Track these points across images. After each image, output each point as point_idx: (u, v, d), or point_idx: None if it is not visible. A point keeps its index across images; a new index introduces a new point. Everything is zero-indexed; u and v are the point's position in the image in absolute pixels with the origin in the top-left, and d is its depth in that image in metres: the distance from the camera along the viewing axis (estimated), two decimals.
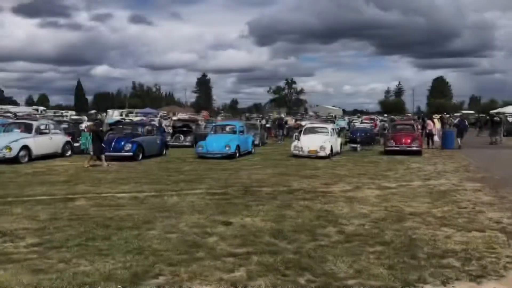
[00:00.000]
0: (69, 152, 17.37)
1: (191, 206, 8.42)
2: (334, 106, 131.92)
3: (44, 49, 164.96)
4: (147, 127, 18.01)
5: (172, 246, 5.83)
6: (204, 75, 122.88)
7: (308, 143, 17.77)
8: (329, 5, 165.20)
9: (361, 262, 5.30)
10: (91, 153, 14.96)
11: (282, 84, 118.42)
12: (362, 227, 6.94)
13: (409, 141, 19.32)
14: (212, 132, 19.25)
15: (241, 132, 19.04)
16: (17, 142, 14.95)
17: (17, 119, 23.48)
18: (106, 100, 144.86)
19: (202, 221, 7.21)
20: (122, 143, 16.29)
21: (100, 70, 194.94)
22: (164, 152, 18.64)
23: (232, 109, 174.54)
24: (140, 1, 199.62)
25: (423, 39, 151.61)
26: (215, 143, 17.52)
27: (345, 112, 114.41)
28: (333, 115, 64.90)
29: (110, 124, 23.42)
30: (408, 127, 21.61)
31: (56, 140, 16.78)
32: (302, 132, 18.98)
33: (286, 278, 4.80)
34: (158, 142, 18.26)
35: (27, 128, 15.97)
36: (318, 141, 17.72)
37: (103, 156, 14.68)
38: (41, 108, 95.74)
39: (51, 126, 17.02)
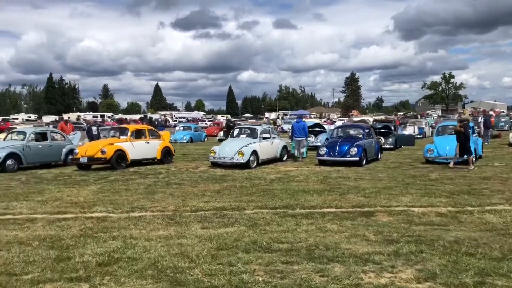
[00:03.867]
0: (285, 157, 16.97)
1: None
2: (496, 101, 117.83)
3: (197, 58, 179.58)
4: (366, 129, 16.66)
5: None
6: (352, 74, 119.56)
7: None
8: None
9: None
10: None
11: (436, 79, 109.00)
12: None
13: None
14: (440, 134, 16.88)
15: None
16: (247, 147, 14.88)
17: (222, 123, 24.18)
18: (253, 104, 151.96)
19: None
20: (347, 147, 15.20)
21: (246, 75, 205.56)
22: (379, 156, 17.21)
23: (378, 107, 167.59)
24: (284, 6, 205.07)
25: None
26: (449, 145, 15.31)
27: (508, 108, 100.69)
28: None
29: (310, 127, 22.75)
30: None
31: (275, 145, 16.49)
32: None
33: None
34: (374, 145, 16.85)
35: (252, 133, 15.90)
36: None
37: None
38: (201, 113, 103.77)
39: (272, 131, 16.75)
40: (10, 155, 14.34)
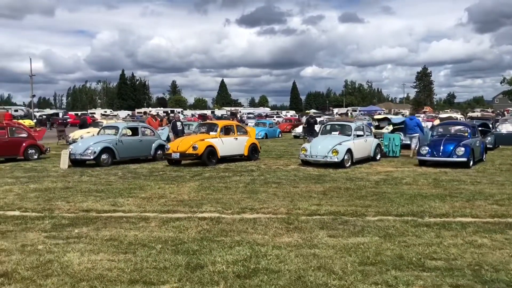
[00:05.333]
0: (378, 156, 15.89)
1: None
2: None
3: (261, 55, 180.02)
4: (472, 127, 15.18)
5: None
6: (424, 68, 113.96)
7: None
8: None
9: None
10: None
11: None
12: None
13: None
14: None
15: None
16: (342, 145, 14.01)
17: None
18: (317, 99, 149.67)
19: None
20: (452, 147, 13.86)
21: (309, 70, 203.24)
22: (484, 156, 15.66)
23: (449, 103, 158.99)
24: (351, 0, 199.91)
25: None
26: None
27: None
28: None
29: (394, 124, 21.39)
30: None
31: (369, 143, 15.46)
32: None
33: None
34: (479, 145, 15.31)
35: (345, 130, 15.00)
36: None
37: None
38: (267, 109, 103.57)
39: (366, 128, 15.75)
40: (105, 150, 14.53)
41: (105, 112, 79.80)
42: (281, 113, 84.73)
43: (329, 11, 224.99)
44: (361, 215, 7.71)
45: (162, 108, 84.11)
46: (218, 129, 15.22)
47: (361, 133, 15.24)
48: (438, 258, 5.45)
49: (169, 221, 7.37)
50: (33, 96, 69.59)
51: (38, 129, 22.97)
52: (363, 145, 15.01)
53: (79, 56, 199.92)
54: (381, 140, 17.01)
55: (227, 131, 15.63)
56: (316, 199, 9.06)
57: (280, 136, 32.34)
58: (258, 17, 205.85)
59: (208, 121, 25.16)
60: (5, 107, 72.64)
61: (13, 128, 17.00)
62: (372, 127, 18.83)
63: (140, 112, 69.98)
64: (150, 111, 47.02)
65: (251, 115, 61.70)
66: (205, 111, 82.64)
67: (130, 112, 78.06)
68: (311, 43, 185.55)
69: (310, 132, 21.78)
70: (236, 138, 15.65)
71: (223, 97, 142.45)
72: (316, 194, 9.59)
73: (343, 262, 5.30)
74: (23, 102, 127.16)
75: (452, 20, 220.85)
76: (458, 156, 13.61)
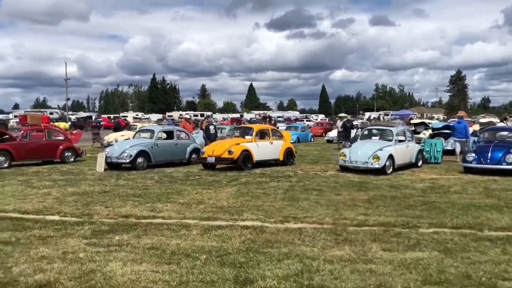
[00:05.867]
0: (420, 162, 15.22)
1: None
2: None
3: (290, 58, 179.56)
4: None
5: None
6: (458, 71, 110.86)
7: None
8: None
9: None
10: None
11: None
12: None
13: None
14: None
15: None
16: (383, 151, 13.45)
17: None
18: (346, 103, 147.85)
19: None
20: (501, 154, 13.10)
21: (338, 74, 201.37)
22: None
23: (484, 108, 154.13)
24: (382, 3, 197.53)
25: None
26: None
27: None
28: None
29: (434, 129, 20.62)
30: None
31: (411, 148, 14.82)
32: None
33: None
34: None
35: (386, 135, 14.43)
36: None
37: None
38: (296, 112, 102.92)
39: (407, 133, 15.12)
40: (141, 153, 14.45)
41: (137, 115, 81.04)
42: (311, 116, 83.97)
43: (359, 14, 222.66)
44: (413, 227, 7.21)
45: (192, 112, 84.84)
46: (254, 133, 14.92)
47: (402, 138, 14.63)
48: (509, 278, 4.94)
49: (210, 229, 7.08)
50: (68, 99, 71.47)
51: (74, 132, 23.24)
52: (404, 151, 14.39)
53: (112, 60, 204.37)
54: (422, 145, 16.31)
55: (262, 135, 15.31)
56: (362, 208, 8.60)
57: (312, 140, 31.79)
58: (288, 21, 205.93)
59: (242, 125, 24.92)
60: (41, 110, 74.77)
61: (51, 131, 17.19)
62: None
63: (171, 115, 70.75)
64: (181, 115, 47.32)
65: (280, 119, 61.27)
66: (233, 115, 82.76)
67: (160, 116, 78.98)
68: (341, 46, 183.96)
69: (346, 136, 21.20)
70: (272, 142, 15.31)
71: (252, 100, 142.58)
72: (361, 203, 9.12)
73: (405, 280, 4.86)
74: (58, 105, 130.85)
75: (487, 22, 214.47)
76: (508, 164, 12.84)
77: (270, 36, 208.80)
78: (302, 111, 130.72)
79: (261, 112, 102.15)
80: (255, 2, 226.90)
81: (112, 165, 14.63)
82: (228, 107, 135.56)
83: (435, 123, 21.06)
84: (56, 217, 7.99)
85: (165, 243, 6.29)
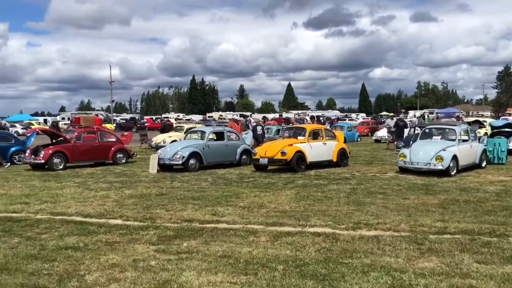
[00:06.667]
0: (484, 163, 14.30)
1: None
2: None
3: (328, 57, 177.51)
4: None
5: None
6: (507, 67, 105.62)
7: None
8: None
9: None
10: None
11: None
12: None
13: None
14: None
15: None
16: (446, 151, 12.67)
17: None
18: (387, 102, 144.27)
19: None
20: None
21: (378, 72, 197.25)
22: None
23: None
24: None
25: None
26: None
27: None
28: None
29: (493, 128, 19.48)
30: None
31: (474, 148, 13.93)
32: None
33: None
34: None
35: (449, 134, 13.63)
36: None
37: None
38: (337, 111, 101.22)
39: (471, 132, 14.24)
40: (193, 155, 14.31)
41: (178, 116, 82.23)
42: (353, 115, 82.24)
43: (400, 11, 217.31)
44: (502, 236, 6.57)
45: (232, 112, 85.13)
46: (307, 134, 14.46)
47: (466, 137, 13.77)
48: None
49: (279, 235, 6.71)
50: (112, 101, 73.34)
51: (125, 133, 23.56)
52: (468, 151, 13.54)
53: (152, 63, 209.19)
54: (485, 145, 15.33)
55: (315, 135, 14.82)
56: (436, 214, 8.00)
57: (359, 140, 30.94)
58: (326, 19, 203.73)
59: (292, 125, 24.51)
60: (87, 112, 77.19)
61: (103, 133, 17.39)
62: None
63: (211, 116, 71.26)
64: (221, 115, 47.42)
65: (321, 119, 60.31)
66: (270, 115, 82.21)
67: (201, 116, 79.73)
68: (381, 44, 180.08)
69: (398, 136, 20.34)
70: (325, 143, 14.80)
71: (290, 100, 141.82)
72: (433, 208, 8.51)
73: None
74: (101, 107, 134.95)
75: None
76: None
77: (308, 35, 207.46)
78: (341, 110, 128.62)
79: (300, 111, 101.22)
80: (293, 2, 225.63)
81: (164, 167, 14.57)
82: (266, 107, 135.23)
83: (494, 122, 19.82)
84: (119, 221, 7.85)
85: (236, 251, 5.96)
